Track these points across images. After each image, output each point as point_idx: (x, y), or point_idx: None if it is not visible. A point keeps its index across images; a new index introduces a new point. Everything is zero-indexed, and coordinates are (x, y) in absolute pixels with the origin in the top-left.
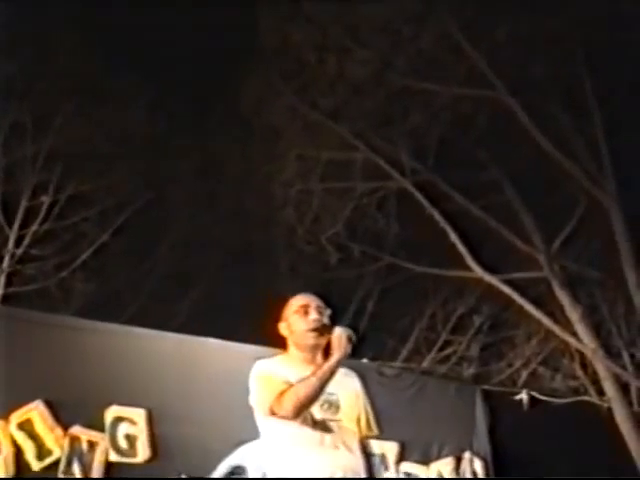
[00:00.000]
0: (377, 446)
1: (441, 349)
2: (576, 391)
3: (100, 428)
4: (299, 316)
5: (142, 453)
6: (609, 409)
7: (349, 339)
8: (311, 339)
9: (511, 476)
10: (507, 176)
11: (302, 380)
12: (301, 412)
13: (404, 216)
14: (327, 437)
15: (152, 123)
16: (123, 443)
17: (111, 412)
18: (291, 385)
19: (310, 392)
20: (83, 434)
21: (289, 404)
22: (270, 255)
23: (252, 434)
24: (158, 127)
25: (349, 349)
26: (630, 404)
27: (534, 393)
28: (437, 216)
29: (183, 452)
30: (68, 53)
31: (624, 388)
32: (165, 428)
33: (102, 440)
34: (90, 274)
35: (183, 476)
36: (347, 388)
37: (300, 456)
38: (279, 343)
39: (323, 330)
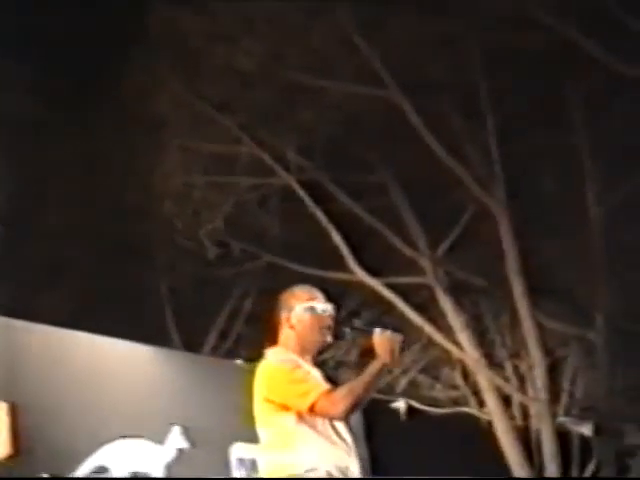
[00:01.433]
0: (248, 450)
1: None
2: (456, 401)
3: None
4: (307, 310)
5: (2, 449)
6: (490, 421)
7: (393, 342)
8: (321, 335)
9: None
10: (395, 178)
11: (357, 381)
12: (352, 414)
13: (287, 214)
14: (345, 444)
15: (31, 108)
16: None
17: None
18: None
19: (367, 393)
20: None
21: (345, 404)
22: (148, 249)
23: (117, 433)
24: (37, 113)
25: (395, 352)
26: (512, 417)
27: (413, 402)
28: (320, 216)
29: (46, 449)
30: None
31: (506, 400)
32: (28, 424)
33: None
34: None
35: (45, 475)
36: None
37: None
38: (156, 339)
39: (330, 327)
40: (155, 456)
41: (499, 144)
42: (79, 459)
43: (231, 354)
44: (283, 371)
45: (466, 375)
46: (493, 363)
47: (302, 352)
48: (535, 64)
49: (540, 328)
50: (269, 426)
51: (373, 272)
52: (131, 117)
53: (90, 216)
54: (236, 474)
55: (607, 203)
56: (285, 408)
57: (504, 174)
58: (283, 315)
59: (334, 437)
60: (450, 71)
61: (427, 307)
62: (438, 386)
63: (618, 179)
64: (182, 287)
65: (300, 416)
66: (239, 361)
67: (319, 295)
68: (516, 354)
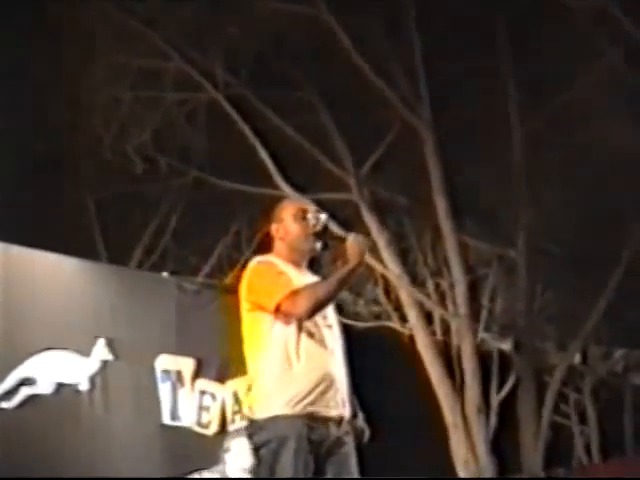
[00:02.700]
0: (173, 362)
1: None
2: (378, 317)
3: None
4: (296, 220)
5: None
6: (411, 336)
7: (366, 246)
8: (310, 244)
9: None
10: (322, 96)
11: (321, 282)
12: (314, 314)
13: (214, 130)
14: (323, 339)
15: None
16: None
17: None
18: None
19: (329, 294)
20: None
21: (306, 303)
22: (76, 164)
23: (44, 345)
24: None
25: (365, 256)
26: (433, 333)
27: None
28: (247, 132)
29: None
30: None
31: (427, 316)
32: None
33: None
34: None
35: None
36: None
37: (300, 355)
38: (83, 254)
39: (320, 236)
40: (80, 368)
41: (425, 65)
42: (5, 370)
43: (157, 268)
44: (258, 270)
45: (388, 291)
46: (415, 281)
47: (294, 262)
48: None
49: (462, 247)
50: (249, 328)
51: (299, 188)
52: (59, 32)
53: (16, 131)
54: (161, 386)
55: (529, 124)
56: (261, 308)
57: (430, 95)
58: (274, 227)
59: (320, 342)
60: None
61: (352, 224)
62: (361, 302)
63: (540, 100)
64: (109, 202)
65: (277, 318)
66: (165, 274)
67: (310, 206)
68: (438, 272)
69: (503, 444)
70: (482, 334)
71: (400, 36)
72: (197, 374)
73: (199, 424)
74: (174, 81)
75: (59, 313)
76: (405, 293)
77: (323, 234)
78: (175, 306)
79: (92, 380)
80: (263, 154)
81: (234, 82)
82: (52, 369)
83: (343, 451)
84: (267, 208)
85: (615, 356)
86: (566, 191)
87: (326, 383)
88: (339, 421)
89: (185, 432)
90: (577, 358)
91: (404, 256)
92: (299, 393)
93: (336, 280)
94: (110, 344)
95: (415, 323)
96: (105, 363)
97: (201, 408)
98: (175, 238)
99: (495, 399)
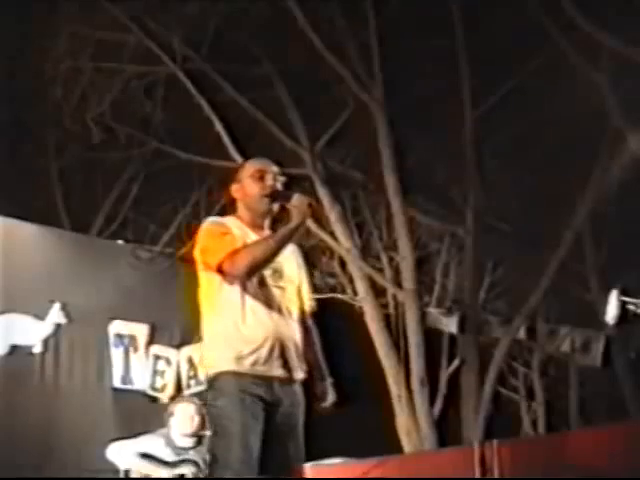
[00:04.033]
0: (127, 328)
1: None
2: (333, 289)
3: None
4: (254, 180)
5: None
6: (362, 308)
7: (309, 206)
8: (265, 204)
9: None
10: (279, 72)
11: (259, 241)
12: (253, 274)
13: (173, 103)
14: (272, 300)
15: None
16: None
17: None
18: (245, 245)
19: (266, 254)
20: None
21: (243, 263)
22: (40, 131)
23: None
24: None
25: (309, 216)
26: (384, 306)
27: None
28: (204, 105)
29: None
30: None
31: (382, 290)
32: None
33: None
34: None
35: None
36: (290, 258)
37: (245, 314)
38: (46, 220)
39: (277, 196)
40: (34, 331)
41: (379, 44)
42: None
43: (117, 236)
44: (206, 231)
45: (344, 264)
46: (370, 255)
47: (254, 223)
48: None
49: (414, 223)
50: (202, 288)
51: None
52: (23, 4)
53: None
54: (114, 350)
55: (481, 106)
56: (210, 268)
57: (383, 74)
58: (233, 188)
59: (266, 302)
60: None
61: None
62: (317, 273)
63: (493, 82)
64: (72, 170)
65: (222, 278)
66: (120, 241)
67: (270, 167)
68: (392, 246)
69: (448, 417)
70: (432, 309)
71: (356, 14)
72: (151, 339)
73: (153, 388)
74: (134, 54)
75: (16, 277)
76: (355, 267)
77: (283, 195)
78: (130, 273)
79: (45, 343)
80: (219, 127)
81: (193, 56)
82: (6, 331)
83: (293, 417)
84: (225, 179)
85: (560, 333)
86: (515, 171)
87: (271, 343)
88: (285, 381)
89: (137, 396)
90: (522, 334)
91: (360, 231)
92: (243, 351)
93: (274, 240)
94: (65, 308)
95: (364, 296)
96: (59, 326)
97: (155, 373)
98: (136, 207)
99: (444, 373)
